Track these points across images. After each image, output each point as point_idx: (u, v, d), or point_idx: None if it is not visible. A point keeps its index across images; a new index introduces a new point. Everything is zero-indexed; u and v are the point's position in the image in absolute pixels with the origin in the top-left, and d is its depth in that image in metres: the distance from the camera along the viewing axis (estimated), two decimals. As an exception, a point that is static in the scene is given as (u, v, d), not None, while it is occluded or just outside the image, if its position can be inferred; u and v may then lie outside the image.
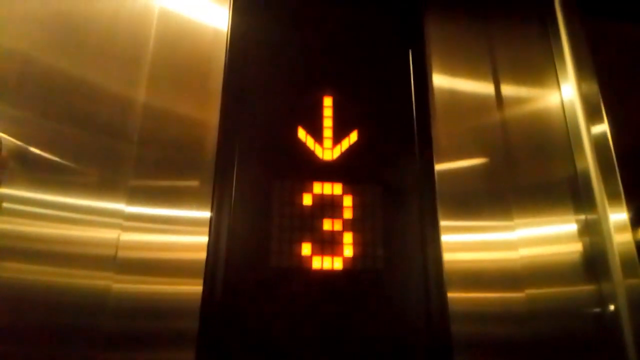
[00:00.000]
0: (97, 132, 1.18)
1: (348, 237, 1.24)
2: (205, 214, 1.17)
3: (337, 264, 1.21)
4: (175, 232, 1.14)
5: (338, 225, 1.25)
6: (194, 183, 1.19)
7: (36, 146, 1.14)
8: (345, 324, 1.17)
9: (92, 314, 1.04)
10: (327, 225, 1.25)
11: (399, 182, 1.31)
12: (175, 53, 1.31)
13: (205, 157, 1.22)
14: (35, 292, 1.03)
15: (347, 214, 1.27)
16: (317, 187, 1.28)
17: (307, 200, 1.27)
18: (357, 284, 1.20)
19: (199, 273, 1.11)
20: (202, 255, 1.13)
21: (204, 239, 1.14)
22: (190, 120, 1.25)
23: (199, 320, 1.07)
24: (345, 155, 1.33)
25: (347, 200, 1.28)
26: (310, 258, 1.21)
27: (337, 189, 1.29)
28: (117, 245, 1.10)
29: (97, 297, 1.05)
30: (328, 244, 1.23)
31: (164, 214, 1.15)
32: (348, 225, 1.26)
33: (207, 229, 1.15)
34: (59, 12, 1.27)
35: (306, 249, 1.22)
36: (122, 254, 1.10)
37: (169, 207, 1.16)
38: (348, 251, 1.23)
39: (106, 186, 1.14)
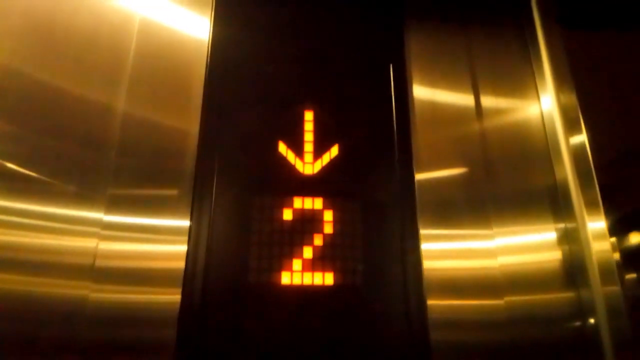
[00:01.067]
0: (76, 142, 1.19)
1: (328, 252, 1.25)
2: (184, 222, 1.18)
3: (318, 279, 1.22)
4: (154, 241, 1.15)
5: (318, 240, 1.26)
6: (173, 192, 1.20)
7: (14, 156, 1.15)
8: (324, 337, 1.18)
9: (69, 323, 1.04)
10: (307, 240, 1.26)
11: (379, 195, 1.33)
12: (155, 63, 1.33)
13: (185, 167, 1.23)
14: (11, 301, 1.04)
15: (328, 229, 1.27)
16: (298, 202, 1.29)
17: (287, 215, 1.28)
18: (337, 298, 1.21)
19: (177, 282, 1.11)
20: (181, 264, 1.13)
21: (182, 248, 1.15)
22: (171, 130, 1.27)
23: (177, 329, 1.07)
24: (326, 170, 1.34)
25: (328, 215, 1.28)
26: (290, 273, 1.22)
27: (317, 203, 1.29)
28: (95, 254, 1.10)
29: (74, 306, 1.05)
30: (308, 259, 1.24)
31: (143, 222, 1.16)
32: (328, 239, 1.26)
33: (185, 238, 1.16)
34: (39, 23, 1.29)
35: (286, 264, 1.23)
36: (99, 263, 1.10)
37: (147, 216, 1.17)
38: (328, 266, 1.24)
39: (84, 195, 1.15)
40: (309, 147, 1.36)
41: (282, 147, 1.35)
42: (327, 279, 1.22)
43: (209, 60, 1.37)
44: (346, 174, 1.35)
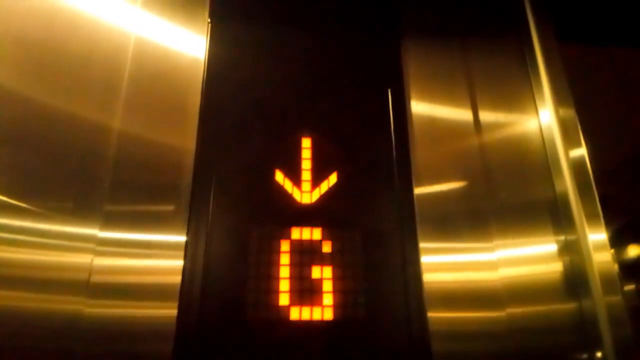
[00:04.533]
0: (71, 160, 1.24)
1: (329, 285, 1.26)
2: (181, 238, 1.22)
3: (316, 313, 1.23)
4: (150, 256, 1.19)
5: (317, 273, 1.27)
6: (169, 208, 1.25)
7: (9, 172, 1.20)
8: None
9: (64, 339, 1.08)
10: (305, 272, 1.27)
11: (379, 220, 1.35)
12: (151, 82, 1.38)
13: (182, 183, 1.27)
14: (6, 317, 1.07)
15: (327, 260, 1.29)
16: (296, 233, 1.31)
17: (284, 246, 1.29)
18: (338, 333, 1.23)
19: (174, 297, 1.15)
20: (177, 279, 1.17)
21: (179, 263, 1.19)
22: (167, 147, 1.31)
23: (174, 344, 1.11)
24: (324, 198, 1.36)
25: (327, 246, 1.30)
26: (287, 308, 1.23)
27: (316, 234, 1.31)
28: (90, 269, 1.15)
29: (69, 321, 1.09)
30: (307, 291, 1.26)
31: (138, 238, 1.21)
32: (328, 271, 1.28)
33: (182, 253, 1.20)
34: (32, 50, 1.34)
35: (284, 298, 1.24)
36: (95, 278, 1.14)
37: (143, 232, 1.21)
38: (330, 299, 1.25)
39: (80, 211, 1.20)
40: (306, 175, 1.39)
41: (279, 176, 1.37)
42: (326, 313, 1.24)
43: (204, 79, 1.42)
44: (345, 202, 1.36)
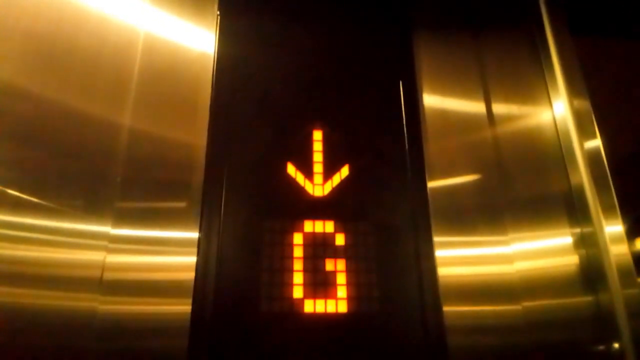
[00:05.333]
0: (82, 158, 1.24)
1: (342, 278, 1.27)
2: (194, 234, 1.23)
3: (330, 306, 1.24)
4: (163, 252, 1.20)
5: (330, 266, 1.28)
6: (182, 204, 1.25)
7: (21, 170, 1.20)
8: (337, 353, 1.21)
9: (77, 336, 1.08)
10: (319, 265, 1.28)
11: (392, 213, 1.36)
12: (161, 78, 1.38)
13: (193, 180, 1.28)
14: (19, 315, 1.08)
15: (340, 253, 1.29)
16: (308, 226, 1.31)
17: (297, 239, 1.30)
18: (352, 326, 1.23)
19: (187, 293, 1.15)
20: (191, 275, 1.18)
21: (192, 260, 1.20)
22: (178, 144, 1.32)
23: (189, 339, 1.11)
24: (336, 191, 1.37)
25: (340, 239, 1.30)
26: (301, 300, 1.24)
27: (328, 226, 1.32)
28: (102, 267, 1.16)
29: (83, 318, 1.10)
30: (321, 284, 1.26)
31: (151, 235, 1.21)
32: (342, 264, 1.28)
33: (195, 250, 1.21)
34: (41, 45, 1.34)
35: (297, 291, 1.25)
36: (108, 275, 1.15)
37: (155, 229, 1.22)
38: (343, 292, 1.25)
39: (92, 209, 1.20)
40: (318, 167, 1.39)
41: (291, 169, 1.38)
42: (340, 306, 1.24)
43: (214, 74, 1.42)
44: (357, 195, 1.37)
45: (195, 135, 1.34)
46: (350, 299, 1.25)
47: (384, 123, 1.48)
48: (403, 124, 1.47)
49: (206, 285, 1.21)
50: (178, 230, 1.23)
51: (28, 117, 1.26)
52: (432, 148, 1.42)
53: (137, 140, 1.30)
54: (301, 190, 1.36)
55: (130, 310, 1.13)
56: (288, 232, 1.30)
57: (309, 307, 1.24)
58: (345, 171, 1.40)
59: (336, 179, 1.38)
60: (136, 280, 1.16)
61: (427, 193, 1.36)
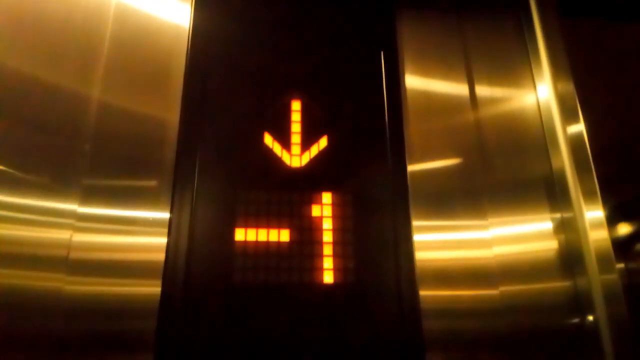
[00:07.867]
0: (48, 132, 1.23)
1: (319, 249, 1.27)
2: (165, 214, 1.22)
3: (306, 276, 1.24)
4: (132, 232, 1.19)
5: (307, 236, 1.28)
6: (152, 183, 1.25)
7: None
8: (310, 329, 1.21)
9: (43, 317, 1.08)
10: (295, 236, 1.28)
11: (371, 187, 1.35)
12: (133, 50, 1.37)
13: (165, 157, 1.28)
14: (-17, 294, 1.07)
15: (317, 224, 1.30)
16: (285, 196, 1.32)
17: (273, 209, 1.30)
18: (328, 297, 1.24)
19: (157, 274, 1.16)
20: (161, 256, 1.18)
21: (162, 240, 1.20)
22: (149, 119, 1.31)
23: (157, 321, 1.12)
24: (314, 162, 1.37)
25: (316, 210, 1.31)
26: (276, 270, 1.24)
27: (306, 197, 1.32)
28: (69, 246, 1.15)
29: (49, 298, 1.09)
30: (297, 255, 1.26)
31: (120, 214, 1.21)
32: (318, 235, 1.29)
33: (166, 230, 1.21)
34: (6, 11, 1.32)
35: (272, 262, 1.25)
36: (74, 255, 1.14)
37: (125, 208, 1.21)
38: (319, 263, 1.26)
39: (58, 185, 1.19)
40: (296, 138, 1.39)
41: (268, 139, 1.38)
42: (316, 276, 1.25)
43: (189, 47, 1.41)
44: (335, 166, 1.37)
45: (167, 109, 1.33)
46: (325, 270, 1.26)
47: (365, 95, 1.47)
48: (383, 96, 1.46)
49: (177, 266, 1.20)
50: (148, 209, 1.22)
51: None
52: (412, 128, 1.43)
53: (107, 114, 1.29)
54: (278, 160, 1.36)
55: (97, 290, 1.13)
56: (264, 203, 1.30)
57: (283, 277, 1.24)
58: (323, 142, 1.40)
59: (314, 150, 1.39)
60: (104, 260, 1.16)
61: (406, 173, 1.37)
